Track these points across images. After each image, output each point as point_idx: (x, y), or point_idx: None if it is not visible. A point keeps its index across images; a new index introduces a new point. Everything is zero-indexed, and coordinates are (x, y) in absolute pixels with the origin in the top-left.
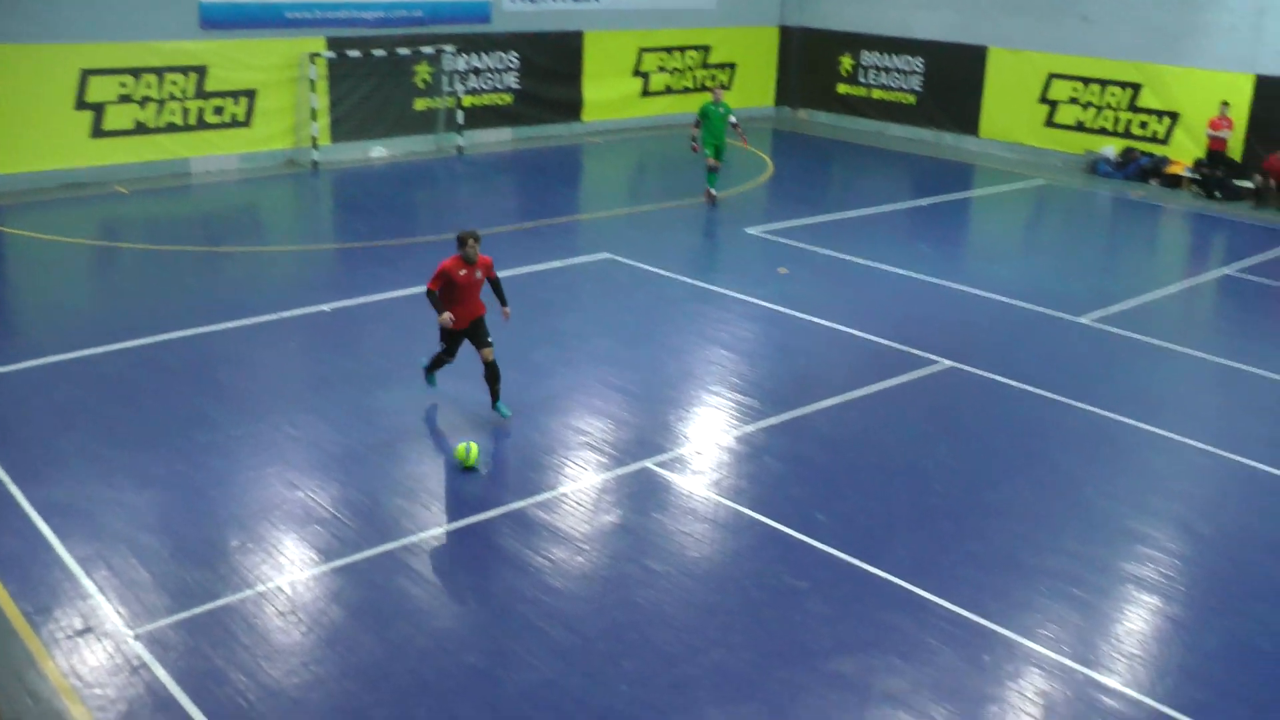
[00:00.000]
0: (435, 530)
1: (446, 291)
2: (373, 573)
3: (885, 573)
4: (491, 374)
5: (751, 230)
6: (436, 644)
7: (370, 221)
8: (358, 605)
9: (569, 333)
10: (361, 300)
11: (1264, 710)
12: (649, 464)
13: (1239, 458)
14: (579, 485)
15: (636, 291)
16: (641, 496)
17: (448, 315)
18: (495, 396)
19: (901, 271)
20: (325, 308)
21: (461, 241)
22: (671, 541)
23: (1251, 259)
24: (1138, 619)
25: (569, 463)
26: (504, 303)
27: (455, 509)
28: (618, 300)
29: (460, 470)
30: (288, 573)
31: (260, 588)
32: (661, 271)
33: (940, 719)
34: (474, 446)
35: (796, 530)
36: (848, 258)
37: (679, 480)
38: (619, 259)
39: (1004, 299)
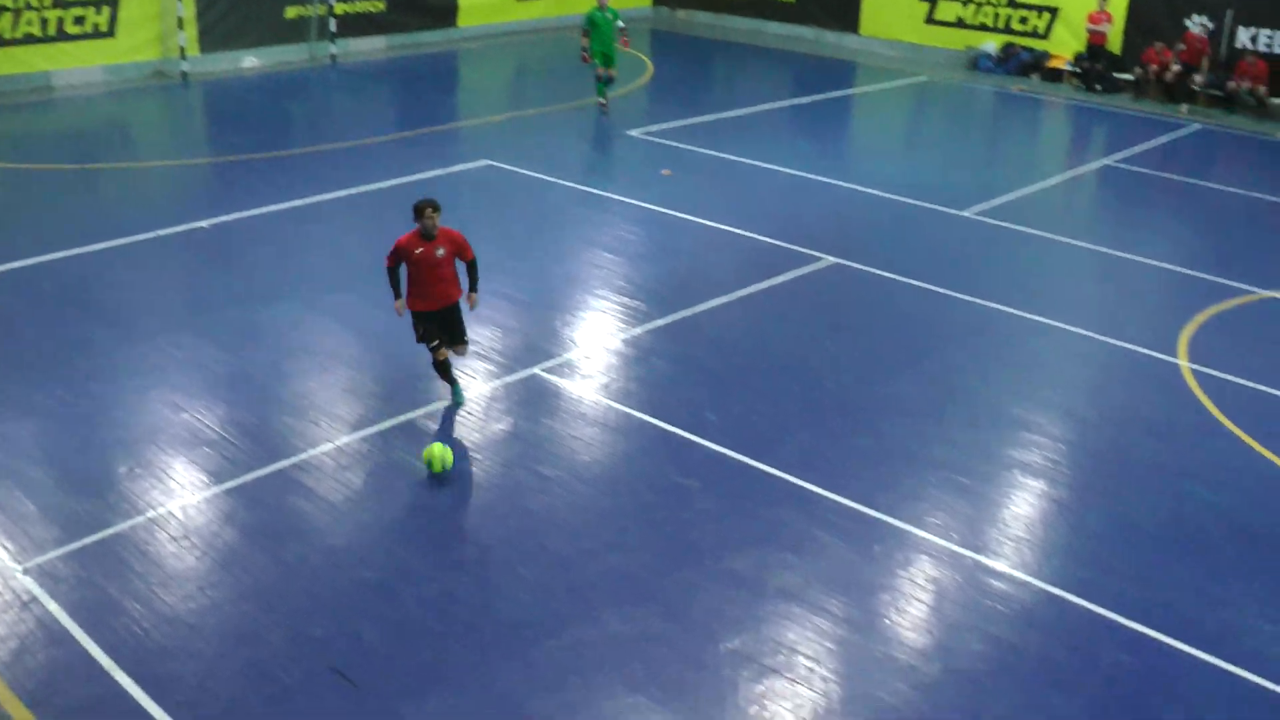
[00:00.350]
0: (326, 447)
1: (407, 271)
2: (264, 493)
3: (776, 469)
4: (443, 368)
5: (633, 133)
6: (331, 561)
7: (244, 134)
8: (251, 526)
9: None
10: (240, 215)
11: (1146, 585)
12: (538, 370)
13: (1119, 342)
14: (469, 394)
15: (518, 198)
16: (532, 403)
17: (400, 304)
18: (453, 384)
19: (784, 170)
20: (203, 224)
21: (418, 212)
22: (563, 447)
23: (1131, 149)
24: (1024, 503)
25: (458, 372)
26: (473, 288)
27: (345, 424)
28: (500, 207)
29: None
30: (178, 497)
31: (151, 514)
32: (543, 177)
33: (834, 610)
34: (436, 448)
35: (687, 431)
36: (730, 157)
37: (568, 385)
38: (500, 165)
39: (887, 195)
